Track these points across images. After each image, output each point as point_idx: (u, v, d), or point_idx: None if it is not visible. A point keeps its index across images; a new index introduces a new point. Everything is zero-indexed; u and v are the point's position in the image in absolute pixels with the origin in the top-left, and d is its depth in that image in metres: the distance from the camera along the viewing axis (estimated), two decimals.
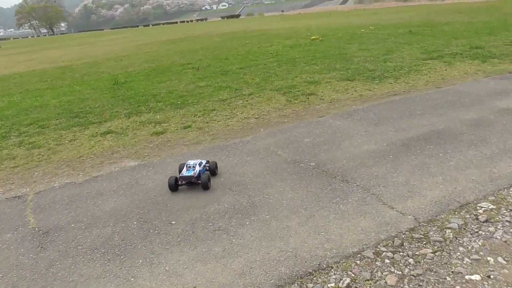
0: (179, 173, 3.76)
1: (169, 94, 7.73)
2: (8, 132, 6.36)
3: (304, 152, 4.24)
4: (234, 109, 6.29)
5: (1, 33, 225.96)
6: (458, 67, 7.66)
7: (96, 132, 5.87)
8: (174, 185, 3.60)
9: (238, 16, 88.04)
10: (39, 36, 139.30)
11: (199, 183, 3.61)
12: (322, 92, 6.68)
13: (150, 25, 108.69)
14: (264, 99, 6.62)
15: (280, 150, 4.36)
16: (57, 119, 6.78)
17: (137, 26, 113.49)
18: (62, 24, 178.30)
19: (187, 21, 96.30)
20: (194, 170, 3.67)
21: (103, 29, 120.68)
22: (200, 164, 3.77)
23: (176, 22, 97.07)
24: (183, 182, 3.62)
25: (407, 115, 5.12)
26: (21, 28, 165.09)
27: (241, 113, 6.05)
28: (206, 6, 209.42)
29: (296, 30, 19.28)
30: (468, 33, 11.78)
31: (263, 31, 22.43)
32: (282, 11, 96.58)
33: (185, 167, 3.77)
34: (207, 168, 3.85)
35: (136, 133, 5.66)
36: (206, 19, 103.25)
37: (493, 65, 7.65)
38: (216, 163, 3.92)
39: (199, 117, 6.10)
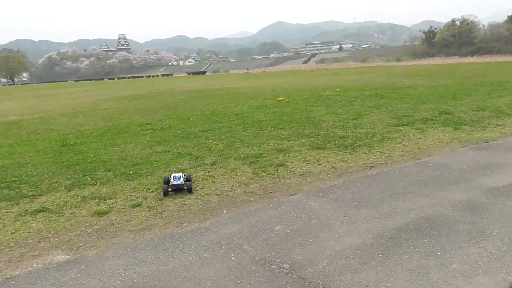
0: (166, 184, 5.18)
1: (122, 160, 6.88)
2: None
3: (275, 246, 3.49)
4: (194, 182, 5.52)
5: None
6: (432, 134, 7.35)
7: (26, 210, 4.89)
8: (167, 191, 5.08)
9: (204, 72, 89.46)
10: None
11: (185, 188, 5.13)
12: (292, 162, 6.07)
13: (115, 78, 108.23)
14: (228, 170, 5.91)
15: (246, 243, 3.59)
16: None
17: (102, 79, 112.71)
18: (24, 74, 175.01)
19: (153, 76, 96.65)
20: (180, 180, 5.12)
21: (66, 81, 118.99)
22: (183, 176, 5.20)
23: (142, 77, 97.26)
24: (173, 188, 5.11)
25: (389, 194, 4.53)
26: None
27: (202, 188, 5.28)
28: (172, 62, 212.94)
29: (261, 90, 19.18)
30: (433, 97, 11.83)
31: (228, 89, 22.27)
32: (247, 69, 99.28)
33: (172, 178, 5.15)
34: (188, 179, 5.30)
35: (75, 212, 4.74)
36: (172, 74, 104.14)
37: (467, 133, 7.39)
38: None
39: (152, 191, 5.27)
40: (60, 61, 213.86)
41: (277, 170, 5.76)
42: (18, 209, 4.95)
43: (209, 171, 5.96)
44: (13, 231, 4.32)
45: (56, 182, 5.92)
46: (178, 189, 5.11)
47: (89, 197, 5.21)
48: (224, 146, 7.35)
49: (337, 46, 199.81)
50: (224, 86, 25.39)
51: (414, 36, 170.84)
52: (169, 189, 5.09)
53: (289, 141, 7.32)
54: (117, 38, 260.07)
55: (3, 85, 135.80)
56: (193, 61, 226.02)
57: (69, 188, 5.61)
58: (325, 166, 5.84)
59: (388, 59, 76.22)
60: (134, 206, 4.82)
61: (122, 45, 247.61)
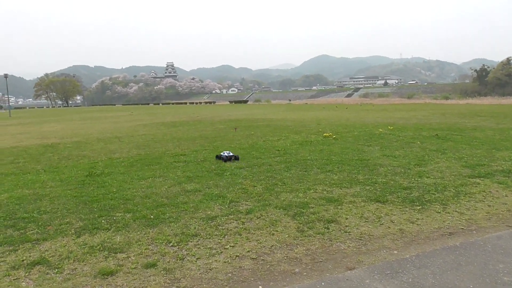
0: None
1: (145, 199, 6.00)
2: None
3: None
4: (224, 236, 4.50)
5: (20, 102, 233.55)
6: None
7: (22, 261, 4.03)
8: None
9: (246, 101, 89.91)
10: (54, 106, 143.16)
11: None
12: (346, 218, 4.91)
13: (160, 104, 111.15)
14: (267, 223, 4.85)
15: None
16: None
17: (148, 103, 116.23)
18: (78, 97, 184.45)
19: (196, 103, 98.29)
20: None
21: (115, 104, 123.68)
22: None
23: (186, 103, 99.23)
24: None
25: (490, 284, 3.27)
26: (37, 99, 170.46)
27: (232, 247, 4.23)
28: (216, 90, 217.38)
29: (305, 123, 18.12)
30: (509, 143, 10.25)
31: (269, 120, 21.41)
32: (289, 100, 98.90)
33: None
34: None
35: (76, 270, 3.82)
36: (214, 102, 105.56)
37: None
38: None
39: (172, 246, 4.29)
40: (111, 85, 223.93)
41: (328, 228, 4.62)
42: (15, 259, 4.10)
43: (243, 222, 4.92)
44: None
45: (67, 223, 5.08)
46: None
47: (98, 247, 4.30)
48: (263, 189, 6.31)
49: (382, 81, 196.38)
50: (265, 117, 24.59)
51: (464, 74, 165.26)
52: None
53: (340, 189, 6.17)
54: (165, 65, 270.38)
55: (58, 106, 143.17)
56: (236, 90, 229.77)
57: (79, 232, 4.74)
58: (389, 227, 4.64)
59: (436, 97, 73.22)
60: (147, 266, 3.84)
61: (170, 72, 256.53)
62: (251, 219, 5.03)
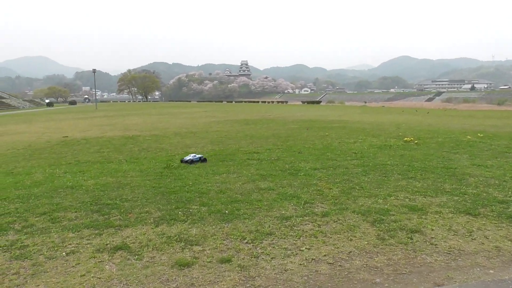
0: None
1: (220, 194, 6.05)
2: (13, 222, 5.01)
3: None
4: (299, 238, 4.36)
5: (105, 96, 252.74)
6: None
7: (106, 245, 4.24)
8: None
9: (319, 102, 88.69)
10: (134, 101, 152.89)
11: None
12: (432, 230, 4.53)
13: (233, 102, 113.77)
14: (344, 228, 4.62)
15: None
16: (76, 211, 5.35)
17: (221, 101, 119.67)
18: (156, 93, 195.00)
19: (268, 102, 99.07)
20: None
21: (190, 101, 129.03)
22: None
23: (258, 102, 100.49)
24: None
25: None
26: (120, 93, 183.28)
27: (308, 249, 4.08)
28: (289, 90, 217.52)
29: (382, 126, 17.33)
30: None
31: (344, 122, 20.82)
32: (365, 102, 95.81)
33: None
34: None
35: (154, 258, 3.92)
36: (287, 102, 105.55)
37: None
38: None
39: (247, 243, 4.24)
40: (187, 82, 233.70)
41: (411, 239, 4.29)
42: (99, 242, 4.32)
43: (319, 225, 4.74)
44: (83, 273, 3.64)
45: (146, 212, 5.28)
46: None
47: (176, 238, 4.39)
48: (340, 192, 6.07)
49: (469, 85, 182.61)
50: (339, 118, 23.98)
51: None
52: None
53: (424, 197, 5.73)
54: (240, 64, 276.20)
55: (138, 101, 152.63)
56: (309, 90, 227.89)
57: (157, 222, 4.89)
58: (482, 243, 4.19)
59: None
60: (222, 261, 3.83)
61: (244, 71, 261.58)
62: (327, 222, 4.84)
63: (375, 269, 3.65)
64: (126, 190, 6.42)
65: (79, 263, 3.84)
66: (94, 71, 73.16)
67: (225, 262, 3.82)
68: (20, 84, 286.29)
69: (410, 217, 4.93)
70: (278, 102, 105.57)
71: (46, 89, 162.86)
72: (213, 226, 4.73)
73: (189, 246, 4.19)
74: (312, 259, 3.89)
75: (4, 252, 4.14)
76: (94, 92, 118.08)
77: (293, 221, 4.86)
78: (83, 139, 14.47)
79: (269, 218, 4.96)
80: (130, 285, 3.43)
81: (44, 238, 4.48)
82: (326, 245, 4.21)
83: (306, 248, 4.13)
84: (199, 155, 8.93)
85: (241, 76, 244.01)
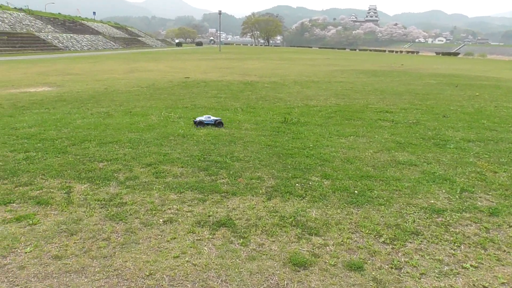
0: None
1: (347, 164, 4.94)
2: (118, 171, 4.65)
3: None
4: (459, 246, 3.12)
5: (229, 39, 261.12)
6: None
7: (209, 217, 3.54)
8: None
9: (456, 54, 78.41)
10: (256, 45, 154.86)
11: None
12: None
13: (357, 50, 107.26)
14: None
15: None
16: (182, 166, 4.79)
17: (344, 48, 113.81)
18: (278, 37, 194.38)
19: (396, 51, 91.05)
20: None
21: (311, 47, 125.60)
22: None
23: (385, 51, 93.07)
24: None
25: None
26: (243, 36, 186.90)
27: (475, 268, 2.85)
28: (420, 39, 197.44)
29: None
30: None
31: (495, 80, 17.40)
32: None
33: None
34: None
35: (263, 246, 3.10)
36: (417, 52, 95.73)
37: None
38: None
39: (383, 243, 3.15)
40: (310, 27, 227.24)
41: None
42: (201, 211, 3.64)
43: (487, 229, 3.39)
44: (177, 253, 2.97)
45: (258, 178, 4.46)
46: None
47: (291, 220, 3.49)
48: (510, 179, 4.48)
49: None
50: (486, 75, 20.26)
51: None
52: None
53: None
54: (367, 9, 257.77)
55: (260, 45, 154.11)
56: (444, 40, 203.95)
57: (270, 193, 4.03)
58: None
59: None
60: (351, 268, 2.82)
61: (371, 17, 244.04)
62: (498, 225, 3.45)
63: None
64: (238, 145, 5.70)
65: (175, 238, 3.19)
66: (219, 13, 74.71)
67: (354, 270, 2.81)
68: (155, 24, 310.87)
69: None
70: (407, 52, 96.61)
71: (176, 30, 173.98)
72: (338, 210, 3.70)
73: (307, 236, 3.25)
74: (484, 286, 2.64)
75: (101, 207, 3.71)
76: (219, 34, 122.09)
77: (448, 218, 3.58)
78: (203, 82, 14.35)
79: (413, 208, 3.74)
80: (230, 284, 2.64)
81: (144, 196, 3.96)
82: (503, 265, 2.90)
83: (471, 266, 2.88)
84: (216, 118, 6.95)
85: (368, 22, 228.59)
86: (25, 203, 3.80)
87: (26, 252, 2.98)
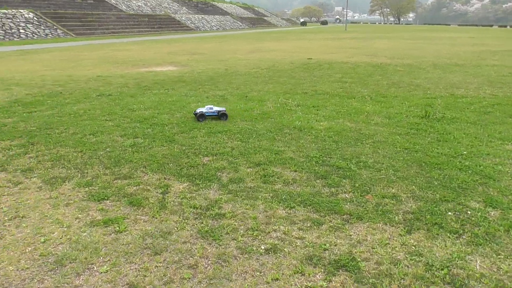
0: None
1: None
2: (223, 169, 4.03)
3: None
4: None
5: (356, 17, 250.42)
6: None
7: (324, 250, 2.68)
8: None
9: None
10: (385, 23, 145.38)
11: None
12: None
13: (508, 26, 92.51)
14: None
15: None
16: (296, 170, 3.95)
17: (491, 25, 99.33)
18: (410, 15, 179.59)
19: None
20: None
21: (449, 24, 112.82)
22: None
23: None
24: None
25: None
26: (372, 14, 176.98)
27: None
28: None
29: None
30: None
31: None
32: None
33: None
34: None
35: None
36: None
37: None
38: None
39: None
40: (449, 3, 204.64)
41: None
42: (315, 240, 2.78)
43: None
44: None
45: (393, 196, 3.39)
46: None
47: (443, 271, 2.42)
48: None
49: None
50: None
51: None
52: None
53: None
54: None
55: (389, 23, 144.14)
56: None
57: (410, 224, 2.96)
58: None
59: None
60: None
61: None
62: None
63: None
64: (366, 146, 4.63)
65: (277, 279, 2.38)
66: None
67: None
68: (282, 3, 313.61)
69: None
70: None
71: (302, 9, 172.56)
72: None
73: None
74: None
75: (196, 218, 3.08)
76: (345, 13, 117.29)
77: None
78: (326, 63, 13.23)
79: None
80: None
81: (247, 208, 3.23)
82: None
83: None
84: (219, 108, 5.80)
85: None
86: (119, 201, 3.37)
87: (101, 272, 2.47)
